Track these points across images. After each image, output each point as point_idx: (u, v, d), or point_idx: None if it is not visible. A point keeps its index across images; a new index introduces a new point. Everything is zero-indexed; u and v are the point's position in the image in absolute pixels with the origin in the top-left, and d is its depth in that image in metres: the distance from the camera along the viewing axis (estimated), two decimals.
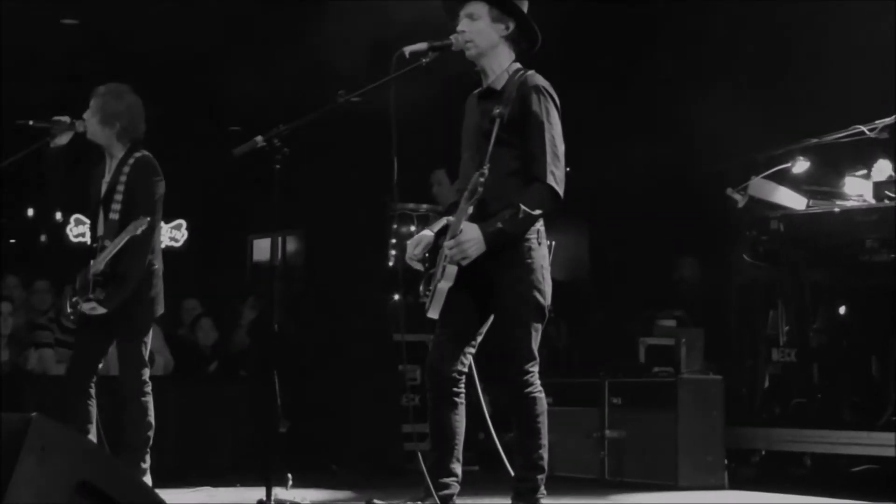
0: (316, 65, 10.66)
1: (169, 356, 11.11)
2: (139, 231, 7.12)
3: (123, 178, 7.38)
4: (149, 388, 7.33)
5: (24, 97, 11.53)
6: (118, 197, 7.35)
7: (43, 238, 17.57)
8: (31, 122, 7.38)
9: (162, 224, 7.64)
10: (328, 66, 10.14)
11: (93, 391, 7.38)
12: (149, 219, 7.19)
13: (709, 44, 10.87)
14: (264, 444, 5.84)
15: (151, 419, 7.29)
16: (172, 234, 16.70)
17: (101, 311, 7.21)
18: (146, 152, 7.50)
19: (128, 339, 7.33)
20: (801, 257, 9.37)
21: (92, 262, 7.30)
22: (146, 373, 7.33)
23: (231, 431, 10.07)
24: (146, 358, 7.35)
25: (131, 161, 7.42)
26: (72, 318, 7.50)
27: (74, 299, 7.36)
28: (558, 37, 6.76)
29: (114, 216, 7.33)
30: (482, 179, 5.72)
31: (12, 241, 17.60)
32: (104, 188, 7.47)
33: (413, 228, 10.95)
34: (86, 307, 7.23)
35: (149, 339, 7.40)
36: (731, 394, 9.30)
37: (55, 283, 11.49)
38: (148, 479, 7.22)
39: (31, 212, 17.67)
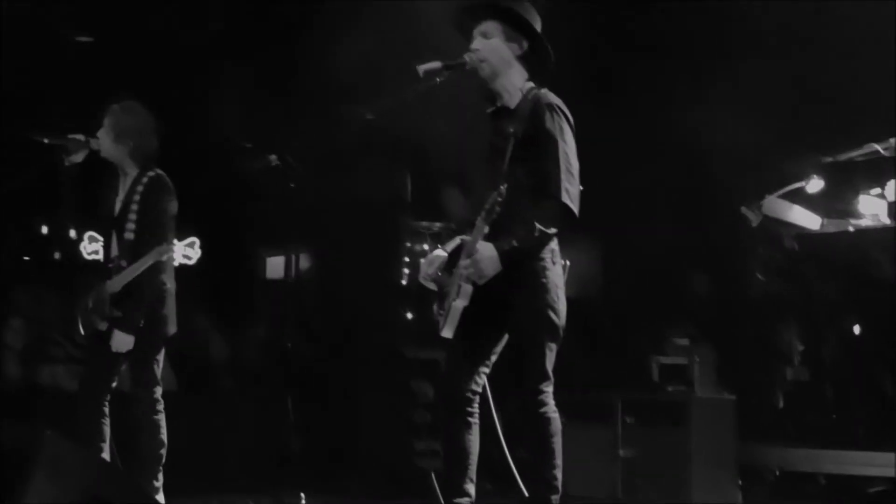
0: (331, 82, 10.67)
1: (171, 374, 11.11)
2: (164, 258, 7.15)
3: (137, 198, 7.39)
4: (161, 406, 7.34)
5: (39, 114, 11.56)
6: (132, 216, 7.36)
7: (57, 255, 17.57)
8: (45, 140, 7.39)
9: (175, 242, 7.65)
10: (344, 84, 10.14)
11: (106, 409, 7.39)
12: (172, 246, 7.22)
13: (725, 60, 10.84)
14: (277, 462, 5.83)
15: (164, 437, 7.30)
16: (186, 251, 16.66)
17: (128, 341, 7.21)
18: (160, 171, 7.51)
19: (140, 357, 7.33)
20: (815, 276, 9.35)
21: (108, 281, 7.31)
22: (158, 391, 7.33)
23: (243, 449, 10.06)
24: (158, 376, 7.35)
25: (145, 180, 7.44)
26: (84, 334, 7.51)
27: (88, 316, 7.37)
28: (571, 53, 6.76)
29: (128, 235, 7.35)
30: (499, 199, 5.71)
31: (26, 257, 17.61)
32: (118, 206, 7.49)
33: (426, 246, 10.93)
34: (114, 344, 7.23)
35: (161, 357, 7.41)
36: (744, 412, 9.27)
37: (68, 299, 11.49)
38: (161, 497, 7.23)
39: (44, 228, 17.67)
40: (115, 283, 7.25)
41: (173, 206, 7.47)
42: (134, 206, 7.37)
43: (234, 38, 11.70)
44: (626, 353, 11.24)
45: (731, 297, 10.91)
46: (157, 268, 7.25)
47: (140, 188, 7.41)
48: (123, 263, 7.28)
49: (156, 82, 11.85)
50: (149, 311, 7.29)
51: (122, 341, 7.22)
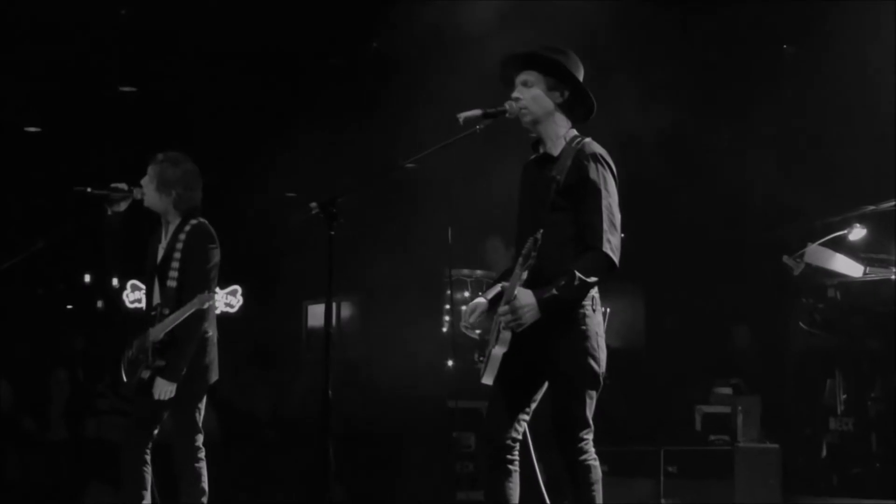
0: (375, 133, 10.73)
1: (216, 423, 11.15)
2: (206, 306, 7.18)
3: (180, 246, 7.42)
4: (202, 454, 7.34)
5: (83, 164, 11.66)
6: (175, 265, 7.39)
7: (99, 304, 17.68)
8: (89, 190, 7.44)
9: (217, 290, 7.66)
10: (388, 134, 10.20)
11: (148, 457, 7.40)
12: (215, 294, 7.24)
13: (766, 108, 10.85)
14: None
15: (205, 485, 7.30)
16: (228, 299, 16.75)
17: (170, 389, 7.23)
18: (203, 220, 7.54)
19: (182, 406, 7.34)
20: (858, 325, 9.30)
21: (150, 329, 7.34)
22: (199, 439, 7.34)
23: (286, 498, 10.06)
24: (200, 424, 7.37)
25: (187, 228, 7.47)
26: (128, 383, 7.52)
27: (131, 364, 7.39)
28: (616, 99, 6.77)
29: (171, 283, 7.37)
30: (536, 245, 5.71)
31: (69, 306, 17.72)
32: (160, 255, 7.52)
33: (467, 294, 10.93)
34: (156, 392, 7.25)
35: (203, 405, 7.42)
36: (788, 463, 9.21)
37: (112, 349, 11.55)
38: None
39: (87, 278, 17.80)
40: (158, 331, 7.27)
41: (216, 255, 7.49)
42: (177, 255, 7.40)
43: (275, 89, 11.78)
44: (670, 403, 11.20)
45: (774, 347, 10.87)
46: (200, 316, 7.26)
47: (183, 236, 7.44)
48: (166, 311, 7.30)
49: (199, 133, 11.97)
50: (191, 359, 7.31)
51: (165, 389, 7.24)
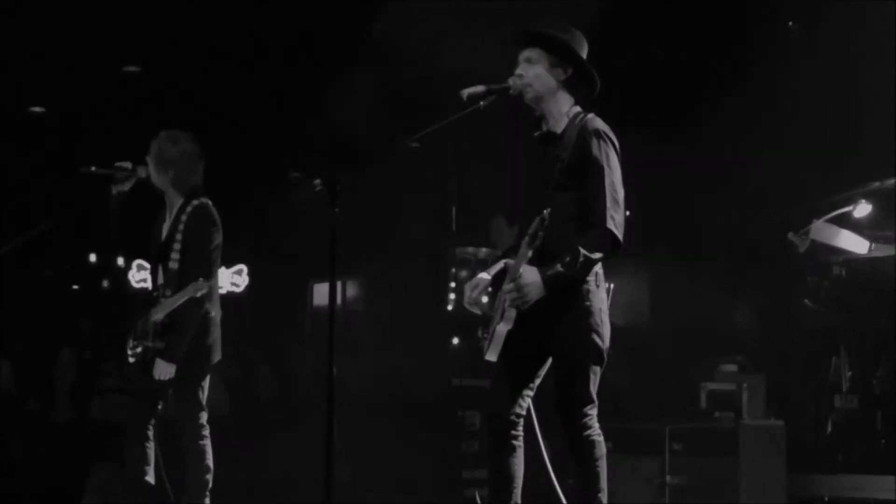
0: (376, 110, 10.72)
1: (225, 398, 11.17)
2: (199, 294, 7.17)
3: (181, 227, 7.42)
4: (206, 432, 7.36)
5: (87, 143, 11.66)
6: (176, 246, 7.39)
7: (105, 284, 17.70)
8: (93, 169, 7.44)
9: (223, 269, 7.67)
10: (388, 111, 10.19)
11: (151, 433, 7.41)
12: (209, 282, 7.24)
13: (770, 87, 10.82)
14: (324, 490, 5.83)
15: (210, 462, 7.32)
16: (233, 279, 16.76)
17: (170, 370, 7.25)
18: (205, 200, 7.52)
19: (185, 385, 7.35)
20: (863, 302, 9.29)
21: (152, 310, 7.35)
22: (203, 416, 7.36)
23: (290, 477, 10.07)
24: (203, 402, 7.38)
25: (189, 209, 7.46)
26: (131, 363, 7.54)
27: (134, 343, 7.41)
28: (620, 82, 6.75)
29: (173, 265, 7.38)
30: (543, 224, 5.71)
31: (75, 286, 17.74)
32: (164, 235, 7.52)
33: (471, 273, 10.92)
34: (156, 372, 7.27)
35: (206, 384, 7.44)
36: (793, 440, 9.21)
37: (118, 328, 11.56)
38: None
39: (93, 258, 17.80)
40: (159, 313, 7.28)
41: (217, 237, 7.48)
42: (178, 236, 7.40)
43: (281, 67, 11.77)
44: (675, 381, 11.19)
45: (779, 324, 10.86)
46: (201, 298, 7.27)
47: (184, 217, 7.44)
48: (168, 293, 7.32)
49: (204, 111, 11.97)
50: (193, 339, 7.32)
51: (164, 370, 7.26)
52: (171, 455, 7.66)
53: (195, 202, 7.50)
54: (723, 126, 11.15)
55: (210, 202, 7.57)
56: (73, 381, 10.77)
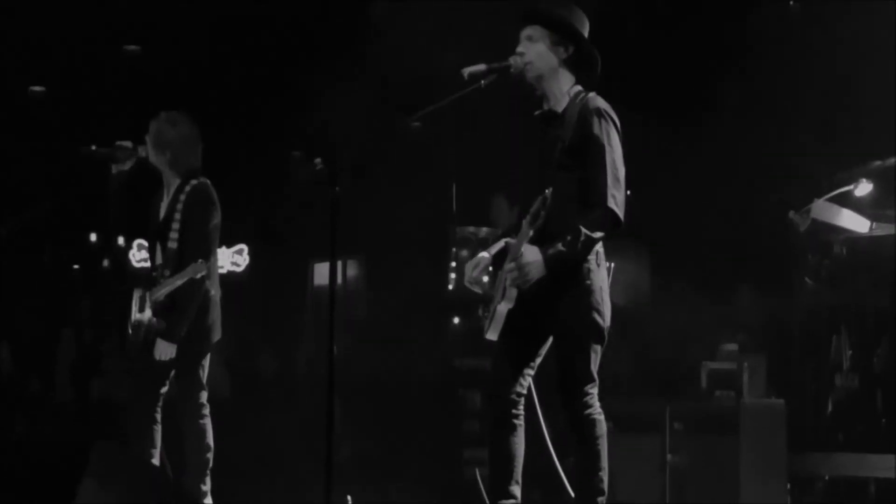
0: (378, 89, 10.70)
1: (226, 379, 11.19)
2: (198, 276, 7.17)
3: (179, 207, 7.41)
4: (206, 411, 7.37)
5: (89, 123, 11.64)
6: (175, 226, 7.39)
7: (106, 263, 17.68)
8: (94, 148, 7.43)
9: (223, 249, 7.67)
10: (391, 91, 10.17)
11: (158, 415, 7.42)
12: (208, 262, 7.23)
13: (770, 66, 10.80)
14: (324, 468, 5.84)
15: (210, 441, 7.33)
16: (234, 258, 16.75)
17: (170, 350, 7.25)
18: (203, 180, 7.51)
19: (185, 365, 7.36)
20: (864, 281, 9.29)
21: (152, 289, 7.35)
22: (203, 396, 7.37)
23: (291, 455, 10.09)
24: (203, 382, 7.39)
25: (187, 189, 7.45)
26: (133, 343, 7.54)
27: (136, 326, 7.41)
28: (621, 62, 6.74)
29: (172, 245, 7.38)
30: (545, 203, 5.70)
31: (75, 266, 17.72)
32: (162, 214, 7.52)
33: (472, 252, 10.92)
34: (156, 353, 7.27)
35: (206, 363, 7.44)
36: (794, 419, 9.22)
37: (118, 308, 11.56)
38: (209, 501, 7.25)
39: (93, 237, 17.78)
40: (158, 294, 7.28)
41: (215, 216, 7.47)
42: (177, 216, 7.39)
43: (283, 45, 11.75)
44: (675, 360, 11.20)
45: (780, 304, 10.85)
46: (201, 278, 7.26)
47: (182, 197, 7.43)
48: (167, 273, 7.31)
49: (204, 90, 11.94)
50: (193, 318, 7.32)
51: (165, 350, 7.27)
52: (170, 435, 7.68)
53: (193, 182, 7.49)
54: (723, 105, 11.14)
55: (209, 182, 7.56)
56: (74, 361, 10.76)
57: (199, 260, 7.19)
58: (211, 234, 7.45)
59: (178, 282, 7.20)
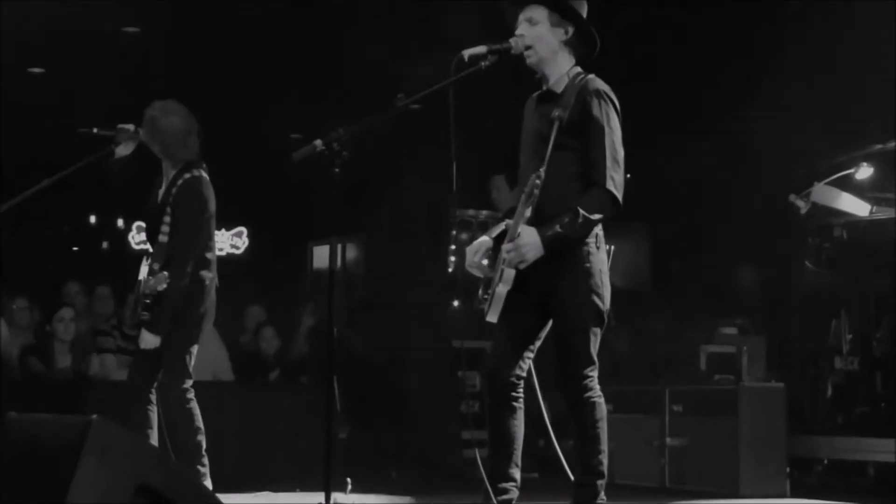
0: (377, 71, 10.69)
1: (226, 363, 11.20)
2: (159, 288, 7.17)
3: (171, 200, 7.39)
4: (191, 395, 7.34)
5: (88, 105, 11.63)
6: (166, 219, 7.37)
7: (105, 245, 17.70)
8: (95, 130, 7.41)
9: (223, 231, 7.65)
10: (390, 72, 10.16)
11: (153, 397, 7.41)
12: (169, 276, 7.20)
13: (772, 49, 10.79)
14: (324, 450, 5.84)
15: (200, 424, 7.31)
16: (234, 241, 16.78)
17: (154, 340, 7.25)
18: (196, 173, 7.43)
19: (173, 351, 7.33)
20: (864, 265, 9.30)
21: (143, 280, 7.34)
22: (188, 383, 7.34)
23: (291, 437, 10.10)
24: (190, 370, 7.37)
25: (179, 182, 7.40)
26: (130, 325, 7.54)
27: (133, 310, 7.42)
28: (619, 43, 6.74)
29: (162, 238, 7.36)
30: (538, 182, 5.71)
31: (75, 248, 17.74)
32: (158, 201, 7.49)
33: (472, 235, 10.92)
34: (141, 342, 7.28)
35: (195, 350, 7.41)
36: (793, 402, 9.23)
37: (117, 289, 11.57)
38: (208, 483, 7.25)
39: (93, 219, 17.80)
40: (146, 286, 7.28)
41: (204, 212, 7.38)
42: (168, 209, 7.37)
43: (282, 29, 11.72)
44: (675, 343, 11.22)
45: (779, 287, 10.87)
46: (183, 274, 7.25)
47: (174, 191, 7.39)
48: (156, 266, 7.29)
49: (204, 72, 11.92)
50: (185, 305, 7.30)
51: (148, 340, 7.26)
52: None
53: (186, 175, 7.42)
54: (724, 88, 11.14)
55: (203, 175, 7.48)
56: (73, 341, 10.75)
57: (164, 272, 7.17)
58: (196, 234, 7.38)
59: (157, 287, 7.20)
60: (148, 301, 7.27)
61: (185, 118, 7.50)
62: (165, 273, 7.21)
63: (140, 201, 7.88)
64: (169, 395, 7.35)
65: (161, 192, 7.50)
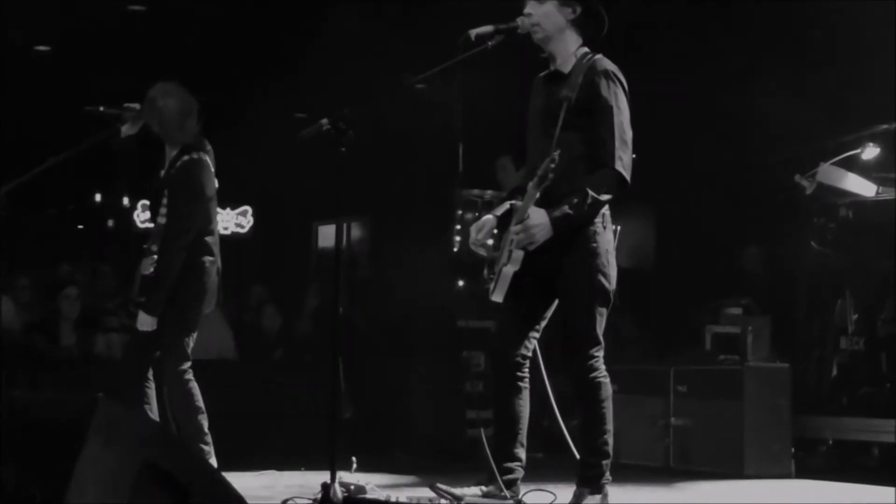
0: (384, 50, 10.68)
1: (231, 343, 11.21)
2: (146, 272, 7.18)
3: (169, 182, 7.36)
4: (189, 376, 7.32)
5: (94, 84, 11.62)
6: (164, 201, 7.34)
7: (110, 223, 17.71)
8: (101, 109, 7.38)
9: (228, 210, 7.62)
10: (395, 53, 10.15)
11: (150, 374, 7.39)
12: (158, 259, 7.19)
13: (776, 29, 10.77)
14: (329, 429, 5.84)
15: (200, 404, 7.28)
16: (238, 220, 16.79)
17: (150, 322, 7.23)
18: (194, 156, 7.35)
19: (170, 332, 7.31)
20: (869, 245, 9.28)
21: (143, 261, 7.34)
22: (186, 364, 7.30)
23: (296, 416, 10.10)
24: (188, 351, 7.35)
25: (178, 164, 7.36)
26: (132, 304, 7.54)
27: (132, 292, 7.42)
28: (626, 22, 6.71)
29: (160, 220, 7.33)
30: (553, 165, 5.69)
31: (80, 226, 17.77)
32: (160, 182, 7.47)
33: (478, 215, 10.92)
34: (138, 324, 7.27)
35: (195, 333, 7.39)
36: (798, 382, 9.23)
37: (122, 268, 11.57)
38: (213, 461, 7.25)
39: (98, 197, 17.82)
40: (146, 268, 7.28)
41: (199, 198, 7.33)
42: (166, 191, 7.34)
43: (285, 9, 11.71)
44: (680, 323, 11.22)
45: (785, 267, 10.86)
46: (178, 256, 7.23)
47: (174, 172, 7.36)
48: (153, 248, 7.28)
49: (209, 51, 11.91)
50: (186, 287, 7.28)
51: (145, 322, 7.25)
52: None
53: (185, 158, 7.36)
54: (729, 66, 11.12)
55: (202, 157, 7.42)
56: (78, 319, 10.76)
57: (153, 256, 7.18)
58: (189, 215, 7.33)
59: (152, 269, 7.22)
60: (144, 282, 7.27)
61: (183, 100, 7.42)
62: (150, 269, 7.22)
63: (145, 180, 7.86)
64: (165, 376, 7.34)
65: (162, 173, 7.48)
